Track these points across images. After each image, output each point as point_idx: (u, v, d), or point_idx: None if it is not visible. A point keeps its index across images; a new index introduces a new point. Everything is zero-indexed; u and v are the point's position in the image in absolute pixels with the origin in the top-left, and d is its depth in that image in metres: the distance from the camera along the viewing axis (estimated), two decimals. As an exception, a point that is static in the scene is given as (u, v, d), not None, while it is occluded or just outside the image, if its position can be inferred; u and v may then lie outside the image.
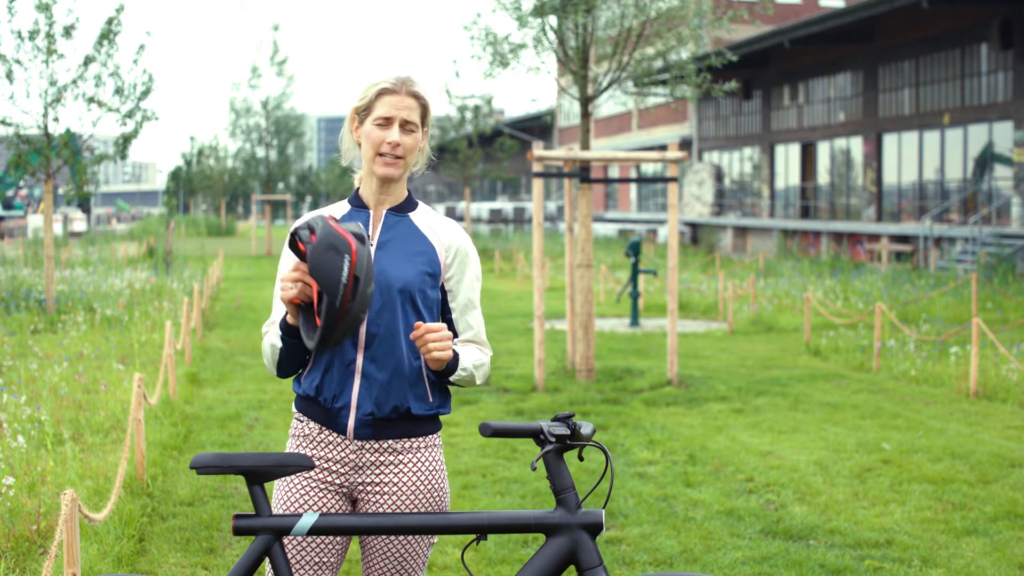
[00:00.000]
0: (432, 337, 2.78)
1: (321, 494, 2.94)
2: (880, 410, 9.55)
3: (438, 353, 2.80)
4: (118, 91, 15.51)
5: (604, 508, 2.80)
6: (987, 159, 27.42)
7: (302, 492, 2.94)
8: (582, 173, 11.04)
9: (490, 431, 2.72)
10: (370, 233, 2.98)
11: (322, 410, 2.95)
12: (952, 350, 12.06)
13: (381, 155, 2.94)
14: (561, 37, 11.66)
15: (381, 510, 2.94)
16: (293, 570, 2.92)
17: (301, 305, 2.80)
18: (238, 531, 2.71)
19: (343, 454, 2.94)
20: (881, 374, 11.69)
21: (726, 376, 11.45)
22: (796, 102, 36.74)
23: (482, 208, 60.78)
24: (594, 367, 11.20)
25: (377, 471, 2.95)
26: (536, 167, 10.83)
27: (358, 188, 3.06)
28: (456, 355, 2.90)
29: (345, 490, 2.97)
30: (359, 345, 2.90)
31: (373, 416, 2.90)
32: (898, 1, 25.99)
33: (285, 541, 2.92)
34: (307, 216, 2.90)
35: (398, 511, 2.93)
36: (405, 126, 2.95)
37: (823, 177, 35.65)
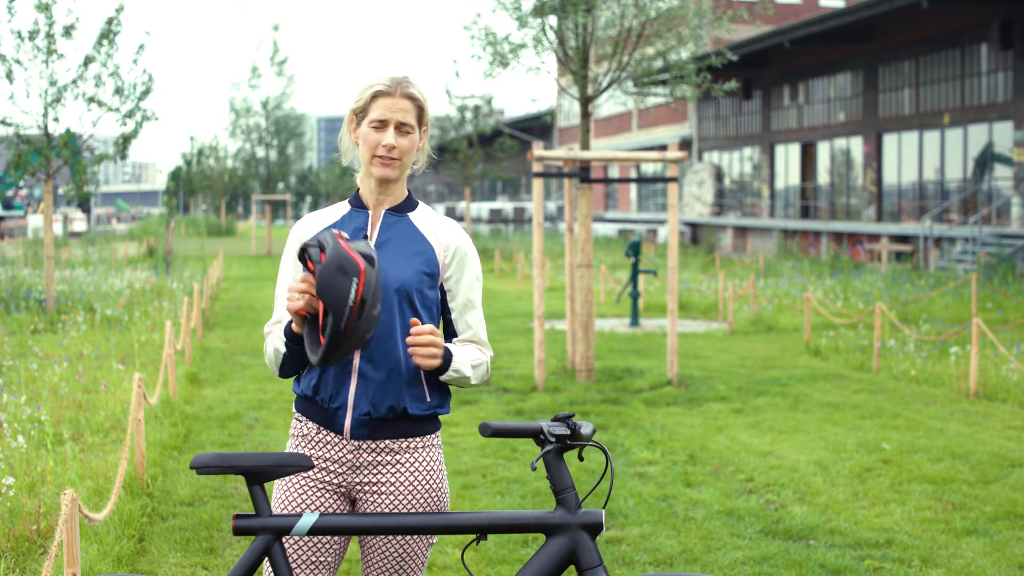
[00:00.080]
0: (419, 341, 2.79)
1: (320, 494, 2.94)
2: (880, 410, 9.55)
3: (422, 361, 2.80)
4: (118, 91, 15.52)
5: (604, 508, 2.79)
6: (987, 159, 27.42)
7: (302, 492, 2.94)
8: (582, 173, 11.04)
9: (490, 431, 2.72)
10: (369, 233, 2.98)
11: (320, 410, 2.95)
12: (952, 350, 12.06)
13: (377, 157, 2.94)
14: (561, 37, 11.66)
15: (380, 510, 2.94)
16: (292, 569, 2.92)
17: (307, 316, 2.80)
18: (238, 531, 2.71)
19: (341, 454, 2.94)
20: (881, 374, 11.69)
21: (726, 376, 11.45)
22: (796, 102, 36.74)
23: (482, 208, 60.79)
24: (594, 367, 11.20)
25: (375, 471, 2.95)
26: (536, 167, 10.83)
27: (359, 188, 3.07)
28: (449, 355, 2.90)
29: (344, 490, 2.97)
30: (357, 345, 2.90)
31: (369, 416, 2.90)
32: (898, 1, 25.99)
33: (284, 541, 2.92)
34: (312, 224, 2.91)
35: (397, 511, 2.93)
36: (400, 128, 2.94)
37: (823, 177, 35.66)
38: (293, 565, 2.92)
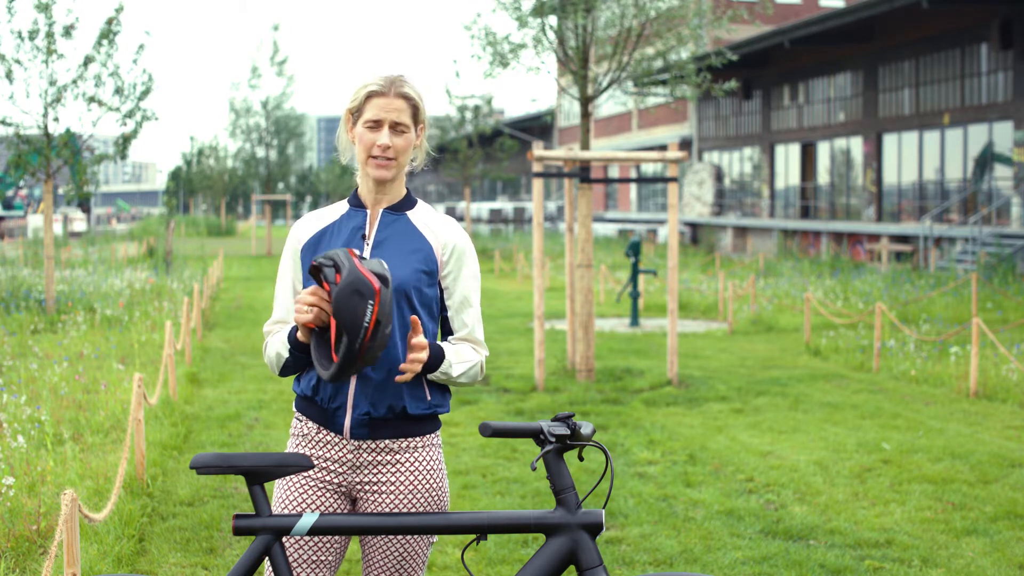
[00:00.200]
0: (419, 358, 2.78)
1: (321, 494, 2.94)
2: (880, 410, 9.55)
3: (407, 373, 2.79)
4: (118, 91, 15.51)
5: (604, 508, 2.79)
6: (987, 159, 27.42)
7: (302, 492, 2.94)
8: (582, 173, 11.04)
9: (490, 431, 2.72)
10: (367, 232, 2.98)
11: (319, 410, 2.95)
12: (952, 350, 12.06)
13: (373, 157, 2.94)
14: (561, 37, 11.66)
15: (380, 509, 2.94)
16: (292, 569, 2.92)
17: (315, 329, 2.81)
18: (238, 531, 2.71)
19: (341, 454, 2.94)
20: (881, 374, 11.69)
21: (726, 376, 11.45)
22: (796, 102, 36.74)
23: (482, 208, 60.78)
24: (594, 367, 11.20)
25: (375, 471, 2.95)
26: (536, 167, 10.82)
27: (357, 187, 3.07)
28: (440, 354, 2.90)
29: (344, 489, 2.97)
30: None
31: (369, 416, 2.90)
32: (898, 1, 25.99)
33: (284, 540, 2.92)
34: (311, 223, 2.93)
35: (397, 511, 2.93)
36: (395, 127, 2.93)
37: (823, 177, 35.65)
38: (294, 564, 2.93)
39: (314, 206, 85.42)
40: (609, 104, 48.64)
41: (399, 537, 2.93)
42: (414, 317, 2.80)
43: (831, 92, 34.59)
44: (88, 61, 15.19)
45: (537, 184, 10.82)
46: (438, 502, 2.99)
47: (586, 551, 2.70)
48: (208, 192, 68.53)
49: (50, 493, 5.94)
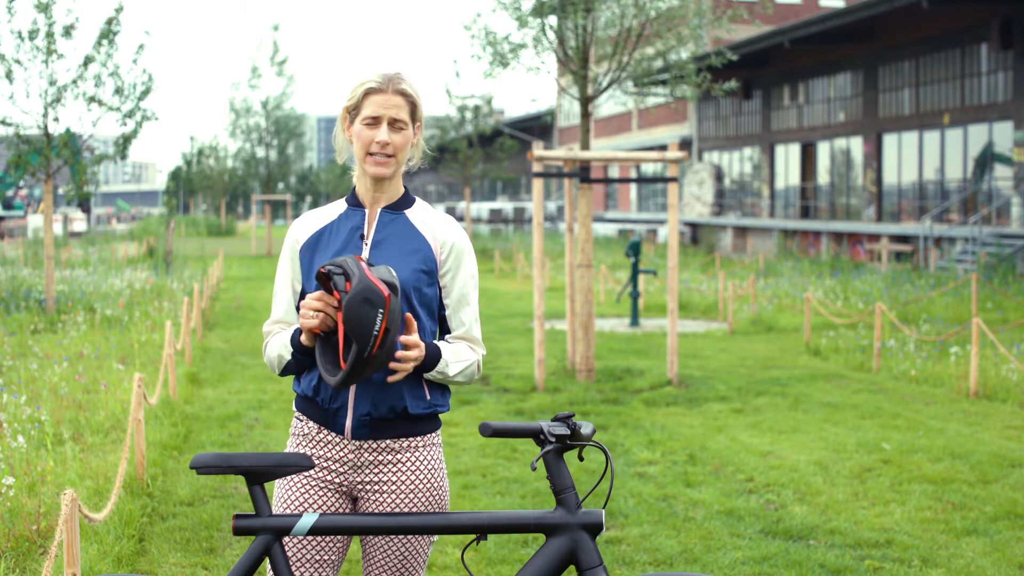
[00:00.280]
0: (409, 356, 2.78)
1: (322, 493, 2.94)
2: (880, 410, 9.55)
3: (396, 375, 2.79)
4: (118, 91, 15.51)
5: (604, 508, 2.79)
6: (987, 159, 27.42)
7: (303, 491, 2.94)
8: (582, 173, 11.04)
9: (490, 431, 2.72)
10: (365, 232, 2.98)
11: (320, 410, 2.95)
12: (952, 350, 12.06)
13: (371, 155, 2.94)
14: (561, 37, 11.66)
15: (381, 509, 2.94)
16: (294, 568, 2.92)
17: (320, 334, 2.81)
18: (238, 531, 2.71)
19: (342, 454, 2.94)
20: (881, 374, 11.69)
21: (726, 376, 11.45)
22: (796, 102, 36.74)
23: (482, 208, 60.78)
24: (594, 367, 11.20)
25: (376, 470, 2.95)
26: (536, 167, 10.83)
27: (355, 187, 3.06)
28: (437, 353, 2.90)
29: (345, 489, 2.97)
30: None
31: (370, 416, 2.90)
32: (898, 1, 25.99)
33: (286, 540, 2.92)
34: (310, 222, 2.94)
35: (398, 510, 2.93)
36: (394, 124, 2.93)
37: (823, 177, 35.65)
38: (295, 564, 2.93)
39: (314, 206, 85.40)
40: (609, 104, 48.64)
41: (400, 536, 2.94)
42: (408, 315, 2.80)
43: (831, 92, 34.59)
44: (88, 61, 15.18)
45: (537, 184, 10.82)
46: (439, 501, 2.99)
47: (586, 551, 2.70)
48: (208, 192, 68.53)
49: (50, 493, 5.94)
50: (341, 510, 2.96)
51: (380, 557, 2.97)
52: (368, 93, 2.92)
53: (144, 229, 51.68)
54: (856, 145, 33.50)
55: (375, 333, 2.63)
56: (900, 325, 12.98)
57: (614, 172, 42.09)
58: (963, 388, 10.43)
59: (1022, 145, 26.02)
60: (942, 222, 28.15)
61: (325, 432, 2.95)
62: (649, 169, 43.31)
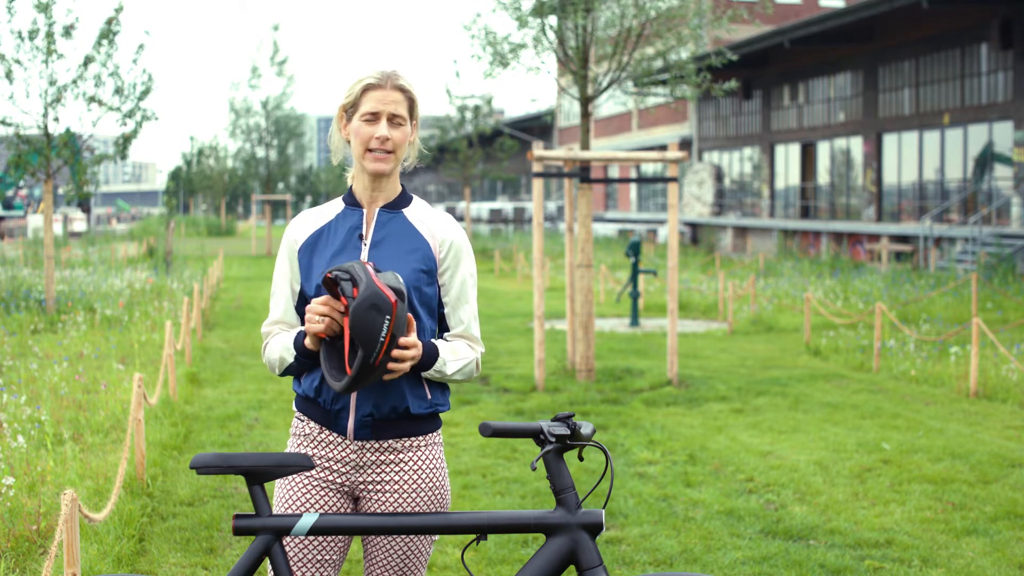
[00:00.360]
0: (406, 355, 2.77)
1: (323, 493, 2.94)
2: (880, 410, 9.55)
3: (394, 373, 2.79)
4: (118, 91, 15.51)
5: (604, 508, 2.79)
6: (987, 159, 27.42)
7: (304, 491, 2.94)
8: (582, 173, 11.04)
9: (490, 431, 2.72)
10: (364, 232, 2.97)
11: (322, 411, 2.95)
12: (952, 350, 12.06)
13: (371, 151, 2.93)
14: (561, 37, 11.66)
15: (383, 509, 2.94)
16: (295, 568, 2.92)
17: (325, 339, 2.81)
18: (238, 531, 2.71)
19: (344, 454, 2.94)
20: (881, 374, 11.69)
21: (726, 376, 11.45)
22: (796, 102, 36.74)
23: (482, 208, 60.77)
24: (594, 367, 11.20)
25: (379, 470, 2.95)
26: (536, 167, 10.83)
27: (351, 186, 3.06)
28: (434, 352, 2.90)
29: (347, 489, 2.97)
30: (358, 346, 2.90)
31: (372, 417, 2.90)
32: (898, 1, 25.99)
33: (286, 540, 2.92)
34: (308, 222, 2.95)
35: (401, 510, 2.93)
36: (393, 120, 2.93)
37: (823, 177, 35.65)
38: (297, 564, 2.93)
39: (314, 206, 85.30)
40: (609, 104, 48.64)
41: (403, 535, 2.94)
42: (409, 315, 2.80)
43: (831, 92, 34.59)
44: (88, 61, 15.18)
45: (537, 184, 10.82)
46: (440, 500, 2.99)
47: (586, 551, 2.70)
48: (208, 192, 68.52)
49: (50, 493, 5.94)
50: (342, 510, 2.96)
51: (382, 556, 2.98)
52: (367, 89, 2.93)
53: (144, 229, 51.68)
54: (856, 145, 33.51)
55: (381, 340, 2.64)
56: (900, 325, 12.98)
57: (614, 172, 42.09)
58: (963, 388, 10.43)
59: (1022, 145, 26.02)
60: (942, 222, 28.15)
61: (327, 432, 2.95)
62: (649, 169, 43.31)
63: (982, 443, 8.17)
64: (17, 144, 15.24)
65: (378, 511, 2.94)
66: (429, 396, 2.96)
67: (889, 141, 31.80)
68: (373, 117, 2.92)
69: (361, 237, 2.96)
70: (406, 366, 2.78)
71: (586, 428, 2.74)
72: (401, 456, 2.95)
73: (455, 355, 2.94)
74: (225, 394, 10.21)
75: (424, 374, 2.91)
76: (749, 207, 40.08)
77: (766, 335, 15.46)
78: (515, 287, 24.55)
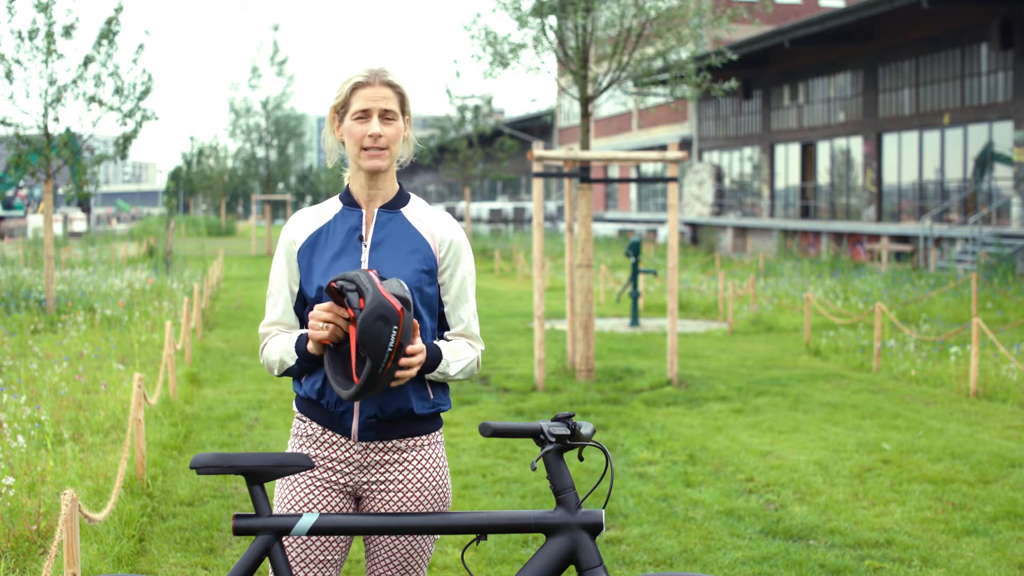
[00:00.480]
0: (413, 362, 2.77)
1: (324, 493, 2.94)
2: (880, 410, 9.55)
3: (400, 380, 2.79)
4: (118, 91, 15.52)
5: (604, 508, 2.79)
6: (987, 159, 27.42)
7: (304, 491, 2.94)
8: (582, 173, 11.04)
9: (490, 431, 2.72)
10: (363, 233, 2.97)
11: (325, 413, 2.94)
12: (952, 350, 12.06)
13: (365, 149, 2.93)
14: (561, 37, 11.67)
15: (387, 508, 2.94)
16: (295, 568, 2.92)
17: (329, 345, 2.81)
18: (238, 531, 2.71)
19: (347, 454, 2.94)
20: (881, 374, 11.69)
21: (726, 376, 11.45)
22: (796, 102, 36.74)
23: (482, 208, 60.76)
24: (594, 367, 11.20)
25: (382, 470, 2.95)
26: (536, 167, 10.83)
27: (348, 186, 3.05)
28: (437, 354, 2.90)
29: (349, 489, 2.97)
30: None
31: (376, 418, 2.90)
32: (898, 1, 25.99)
33: (287, 540, 2.92)
34: (307, 221, 2.95)
35: (404, 509, 2.93)
36: (384, 116, 2.93)
37: (823, 177, 35.66)
38: (298, 563, 2.92)
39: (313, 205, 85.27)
40: (609, 104, 48.64)
41: (404, 536, 2.94)
42: (414, 321, 2.80)
43: (831, 92, 34.59)
44: (88, 61, 15.18)
45: (537, 184, 10.82)
46: (443, 499, 3.00)
47: (586, 551, 2.70)
48: (208, 192, 68.51)
49: (50, 493, 5.94)
50: (343, 510, 2.96)
51: (384, 556, 2.98)
52: (356, 88, 2.93)
53: (144, 229, 51.68)
54: (856, 145, 33.51)
55: (389, 350, 2.65)
56: (900, 325, 12.98)
57: (614, 172, 42.10)
58: (963, 388, 10.43)
59: (1022, 145, 26.02)
60: (942, 222, 28.15)
61: (330, 434, 2.95)
62: (649, 169, 43.31)
63: (982, 443, 8.17)
64: (17, 144, 15.24)
65: (381, 511, 2.94)
66: (431, 396, 2.96)
67: (889, 141, 31.80)
68: (364, 115, 2.92)
69: (361, 238, 2.96)
70: (413, 372, 2.78)
71: (586, 428, 2.74)
72: (404, 455, 2.96)
73: (457, 355, 2.94)
74: (225, 394, 10.21)
75: (427, 376, 2.91)
76: (749, 207, 40.09)
77: (766, 335, 15.46)
78: (515, 287, 24.55)
